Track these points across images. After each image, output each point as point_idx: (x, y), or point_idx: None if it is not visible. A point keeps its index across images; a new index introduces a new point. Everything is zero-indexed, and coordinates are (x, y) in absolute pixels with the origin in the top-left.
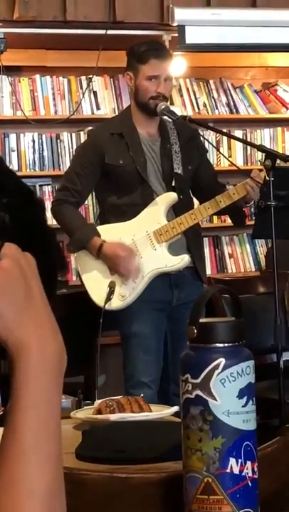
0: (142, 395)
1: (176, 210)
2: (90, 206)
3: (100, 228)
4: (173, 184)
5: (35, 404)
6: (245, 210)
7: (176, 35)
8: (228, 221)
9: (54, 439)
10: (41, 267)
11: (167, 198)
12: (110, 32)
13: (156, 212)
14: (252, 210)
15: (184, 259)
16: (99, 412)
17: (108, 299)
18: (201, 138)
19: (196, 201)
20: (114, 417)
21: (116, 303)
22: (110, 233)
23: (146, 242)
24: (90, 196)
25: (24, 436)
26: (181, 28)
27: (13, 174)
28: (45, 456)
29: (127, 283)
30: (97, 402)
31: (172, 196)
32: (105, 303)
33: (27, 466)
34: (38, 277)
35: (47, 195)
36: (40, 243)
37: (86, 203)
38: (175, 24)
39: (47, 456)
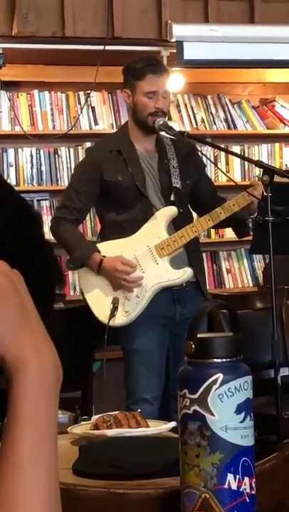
0: (139, 410)
1: (176, 224)
2: (86, 222)
3: (101, 245)
4: (172, 198)
5: (33, 418)
6: (247, 223)
7: (175, 51)
8: (226, 236)
9: (51, 452)
10: (37, 283)
11: (167, 212)
12: (108, 48)
13: (156, 227)
14: (250, 225)
15: (186, 273)
16: (96, 427)
17: (112, 315)
18: (199, 153)
19: (195, 215)
20: (111, 432)
21: (120, 319)
22: (111, 250)
23: (148, 256)
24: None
25: (22, 450)
26: (179, 44)
27: (9, 188)
28: (42, 470)
29: (130, 298)
30: (94, 417)
31: (172, 210)
32: (109, 319)
33: (25, 480)
34: (28, 293)
35: (45, 210)
36: (38, 257)
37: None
38: (173, 40)
39: (44, 470)
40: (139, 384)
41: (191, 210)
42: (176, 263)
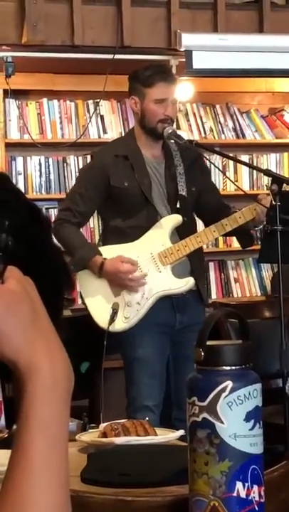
0: (146, 418)
1: (181, 232)
2: (94, 227)
3: (103, 249)
4: (178, 206)
5: (46, 424)
6: (252, 234)
7: (184, 60)
8: (234, 245)
9: (63, 458)
10: (46, 287)
11: (172, 220)
12: (118, 56)
13: (160, 234)
14: (258, 234)
15: (188, 282)
16: (104, 435)
17: (112, 320)
18: (207, 162)
19: (200, 223)
20: (119, 440)
21: (119, 324)
22: (114, 254)
23: (150, 263)
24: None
25: (35, 455)
26: (188, 53)
27: (18, 192)
28: (55, 475)
29: (130, 304)
30: (103, 425)
31: (177, 218)
32: (109, 325)
33: (37, 485)
34: (40, 299)
35: (53, 218)
36: (46, 262)
37: (92, 225)
38: (182, 49)
39: (57, 475)
40: (141, 392)
41: (196, 218)
42: (178, 272)
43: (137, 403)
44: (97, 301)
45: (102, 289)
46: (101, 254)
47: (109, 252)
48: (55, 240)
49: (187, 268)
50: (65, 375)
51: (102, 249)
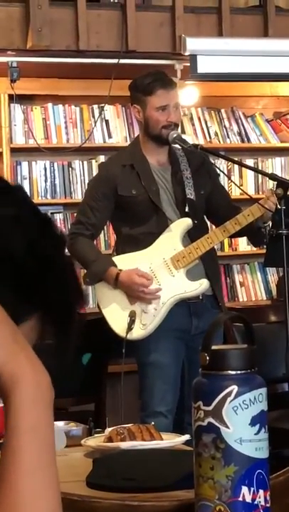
0: (152, 423)
1: (192, 236)
2: (100, 238)
3: (117, 258)
4: (186, 210)
5: (34, 429)
6: (263, 231)
7: (188, 64)
8: (240, 249)
9: (53, 463)
10: (56, 303)
11: (182, 224)
12: (122, 61)
13: (171, 239)
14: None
15: (202, 284)
16: (110, 439)
17: (129, 328)
18: (212, 163)
19: (211, 225)
20: (125, 445)
21: (137, 332)
22: (127, 263)
23: (163, 269)
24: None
25: (25, 460)
26: (193, 58)
27: (32, 204)
28: (46, 480)
29: (147, 311)
30: (108, 429)
31: (187, 222)
32: (127, 333)
33: (29, 491)
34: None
35: (58, 223)
36: (57, 279)
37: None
38: (187, 53)
39: (48, 480)
40: (154, 397)
41: (207, 221)
42: (193, 275)
43: (150, 408)
44: (114, 310)
45: (119, 298)
46: (116, 266)
47: (122, 260)
48: (67, 253)
49: (201, 271)
50: (47, 385)
51: (116, 258)
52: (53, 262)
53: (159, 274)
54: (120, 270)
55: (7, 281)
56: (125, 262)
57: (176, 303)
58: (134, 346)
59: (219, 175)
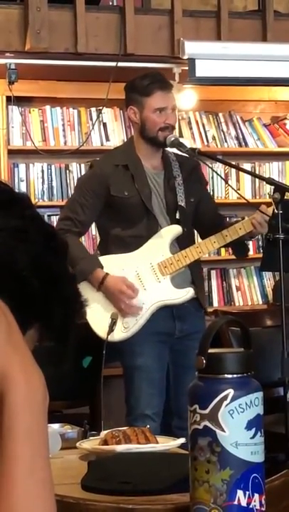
0: (148, 426)
1: (180, 243)
2: (96, 237)
3: (103, 258)
4: (177, 217)
5: (29, 432)
6: (247, 244)
7: (187, 68)
8: None
9: (47, 466)
10: (57, 316)
11: (172, 231)
12: (121, 64)
13: (160, 245)
14: (260, 243)
15: (188, 293)
16: (105, 442)
17: (110, 330)
18: (209, 170)
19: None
20: (120, 448)
21: (119, 334)
22: (113, 264)
23: (150, 274)
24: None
25: (20, 462)
26: (191, 61)
27: (37, 216)
28: (41, 483)
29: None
30: (103, 432)
31: (177, 229)
32: (108, 334)
33: (25, 494)
34: (13, 318)
35: (55, 225)
36: (58, 292)
37: (93, 233)
38: (185, 57)
39: (43, 483)
40: (140, 400)
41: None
42: (178, 282)
43: (137, 412)
44: (95, 311)
45: (101, 298)
46: (102, 267)
47: (109, 261)
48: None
49: (188, 278)
50: (40, 388)
51: (102, 258)
52: (55, 278)
53: (144, 279)
54: (107, 274)
55: (9, 293)
56: (111, 263)
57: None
58: (118, 350)
59: (207, 183)
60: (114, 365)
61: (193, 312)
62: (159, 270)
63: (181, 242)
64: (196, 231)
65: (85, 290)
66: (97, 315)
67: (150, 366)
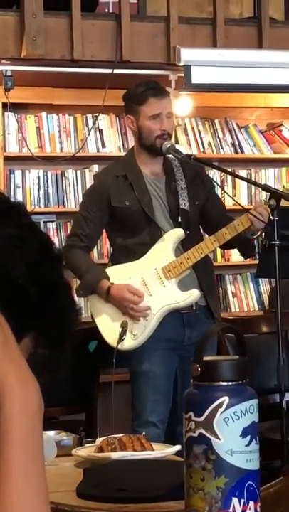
0: (144, 433)
1: (185, 246)
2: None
3: (110, 269)
4: (179, 220)
5: (25, 440)
6: (252, 242)
7: (183, 74)
8: (232, 260)
9: (42, 474)
10: (52, 326)
11: (174, 235)
12: (117, 71)
13: (163, 249)
14: (256, 249)
15: (192, 295)
16: (100, 449)
17: (120, 339)
18: (207, 173)
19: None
20: (115, 455)
21: (128, 342)
22: (120, 273)
23: (155, 279)
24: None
25: (15, 470)
26: (187, 68)
27: (32, 226)
28: (35, 491)
29: (138, 322)
30: (99, 439)
31: (179, 232)
32: (118, 343)
33: (19, 502)
34: (9, 327)
35: (51, 231)
36: (54, 302)
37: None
38: (181, 64)
39: (37, 491)
40: (146, 407)
41: (202, 231)
42: (185, 285)
43: (142, 418)
44: (106, 321)
45: (110, 309)
46: (108, 278)
47: (115, 271)
48: (65, 272)
49: (194, 281)
50: (35, 396)
51: (109, 269)
52: (51, 286)
53: (150, 285)
54: (112, 284)
55: (4, 301)
56: (118, 273)
57: (169, 313)
58: (127, 356)
59: (214, 186)
60: (111, 372)
61: (203, 320)
62: (163, 274)
63: (187, 245)
64: (206, 234)
65: (95, 302)
66: (108, 324)
67: (157, 372)
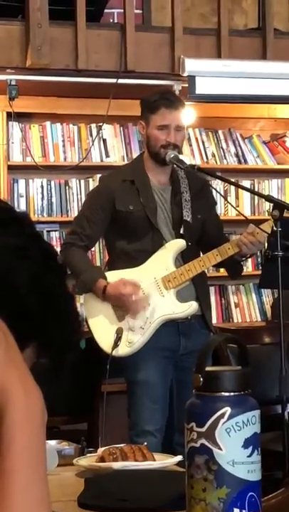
0: (145, 443)
1: (185, 257)
2: (96, 252)
3: (109, 274)
4: (181, 231)
5: (27, 449)
6: (241, 264)
7: (187, 85)
8: None
9: (44, 483)
10: (55, 336)
11: (176, 245)
12: (121, 81)
13: (164, 259)
14: (259, 260)
15: (191, 306)
16: (102, 459)
17: (115, 345)
18: (211, 189)
19: None
20: (117, 465)
21: (123, 349)
22: (118, 279)
23: (154, 288)
24: (97, 242)
25: (17, 479)
26: (191, 79)
27: (37, 236)
28: (38, 499)
29: (134, 329)
30: (101, 449)
31: (181, 243)
32: (112, 349)
33: (21, 510)
34: (11, 335)
35: (54, 240)
36: (57, 313)
37: (93, 249)
38: (185, 74)
39: (40, 498)
40: (143, 416)
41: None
42: (183, 296)
43: (139, 427)
44: (101, 325)
45: (107, 313)
46: (105, 278)
47: (114, 277)
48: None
49: (192, 293)
50: (38, 405)
51: (107, 274)
52: (54, 296)
53: (149, 293)
54: (108, 282)
55: (7, 310)
56: (117, 278)
57: (164, 323)
58: (122, 365)
59: (216, 203)
60: (113, 381)
61: (198, 329)
62: (162, 284)
63: (186, 257)
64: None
65: (92, 303)
66: (103, 330)
67: (153, 381)
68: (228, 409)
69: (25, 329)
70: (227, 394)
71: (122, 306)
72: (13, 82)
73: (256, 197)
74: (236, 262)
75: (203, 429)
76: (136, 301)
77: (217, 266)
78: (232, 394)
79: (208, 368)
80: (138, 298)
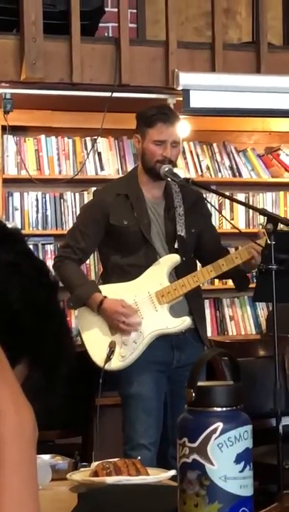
0: (139, 457)
1: (179, 272)
2: (91, 265)
3: (102, 288)
4: (176, 246)
5: (19, 465)
6: (248, 276)
7: (181, 99)
8: (230, 283)
9: (36, 499)
10: (47, 353)
11: (170, 260)
12: (116, 95)
13: (158, 274)
14: (253, 273)
15: (185, 322)
16: (95, 474)
17: (108, 359)
18: (206, 202)
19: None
20: (110, 479)
21: (116, 363)
22: (112, 293)
23: (147, 302)
24: (92, 255)
25: (8, 494)
26: (185, 92)
27: (28, 252)
28: None
29: (127, 343)
30: (94, 464)
31: (175, 258)
32: (105, 363)
33: None
34: (3, 352)
35: (49, 254)
36: (50, 329)
37: (87, 262)
38: (180, 88)
39: None
40: (137, 429)
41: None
42: (176, 311)
43: (133, 441)
44: (94, 338)
45: (100, 327)
46: (100, 292)
47: (108, 291)
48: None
49: (185, 308)
50: (29, 421)
51: (101, 287)
52: (46, 313)
53: (142, 308)
54: (105, 297)
55: None
56: (110, 292)
57: (157, 337)
58: (116, 378)
59: (211, 214)
60: (108, 394)
61: (191, 342)
62: (156, 299)
63: (180, 272)
64: (197, 261)
65: (86, 317)
66: (96, 343)
67: (147, 395)
68: (220, 425)
69: (17, 345)
70: (219, 409)
71: (113, 323)
72: (7, 96)
73: (251, 210)
74: (243, 273)
75: (195, 445)
76: (127, 325)
77: (225, 277)
78: (224, 409)
79: (200, 383)
80: (129, 322)
